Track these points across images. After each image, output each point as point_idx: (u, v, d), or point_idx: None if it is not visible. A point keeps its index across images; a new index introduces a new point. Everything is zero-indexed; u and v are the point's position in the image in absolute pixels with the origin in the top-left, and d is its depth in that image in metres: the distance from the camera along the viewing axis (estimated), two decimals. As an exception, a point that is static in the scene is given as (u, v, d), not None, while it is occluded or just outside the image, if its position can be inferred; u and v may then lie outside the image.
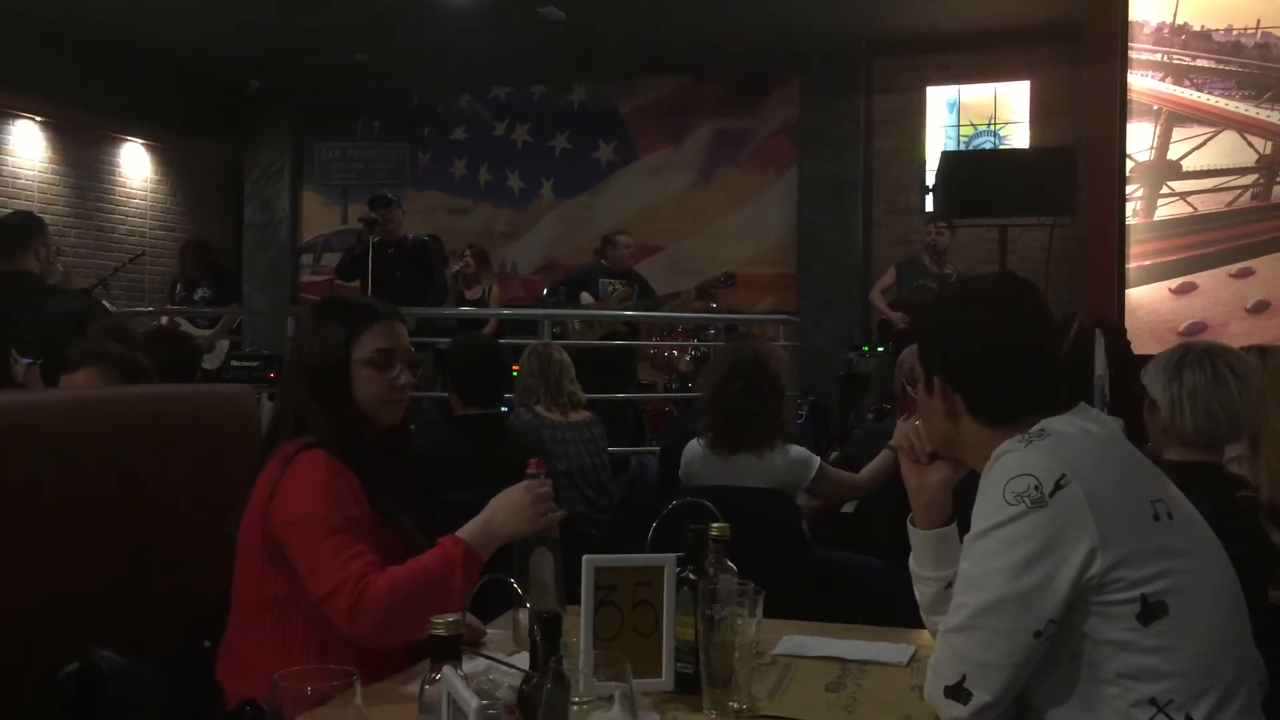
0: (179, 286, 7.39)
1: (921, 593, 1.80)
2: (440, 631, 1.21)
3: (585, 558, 1.61)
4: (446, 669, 1.12)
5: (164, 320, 6.79)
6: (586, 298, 7.19)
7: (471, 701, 0.98)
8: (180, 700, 1.91)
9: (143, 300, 9.11)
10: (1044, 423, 1.60)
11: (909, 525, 1.82)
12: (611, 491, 4.18)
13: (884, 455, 3.35)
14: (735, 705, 1.61)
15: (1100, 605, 1.49)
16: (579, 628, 1.60)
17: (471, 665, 1.50)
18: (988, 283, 1.90)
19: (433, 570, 1.85)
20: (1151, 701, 1.47)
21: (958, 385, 1.69)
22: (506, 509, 1.92)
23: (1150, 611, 1.48)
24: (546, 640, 1.24)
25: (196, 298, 7.18)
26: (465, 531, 1.90)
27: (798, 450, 3.38)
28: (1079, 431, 1.59)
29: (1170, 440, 2.36)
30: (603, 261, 7.29)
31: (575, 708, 1.23)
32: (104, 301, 7.43)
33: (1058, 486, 1.50)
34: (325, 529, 1.87)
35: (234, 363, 7.20)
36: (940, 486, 1.79)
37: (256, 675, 1.79)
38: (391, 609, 1.81)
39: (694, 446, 3.45)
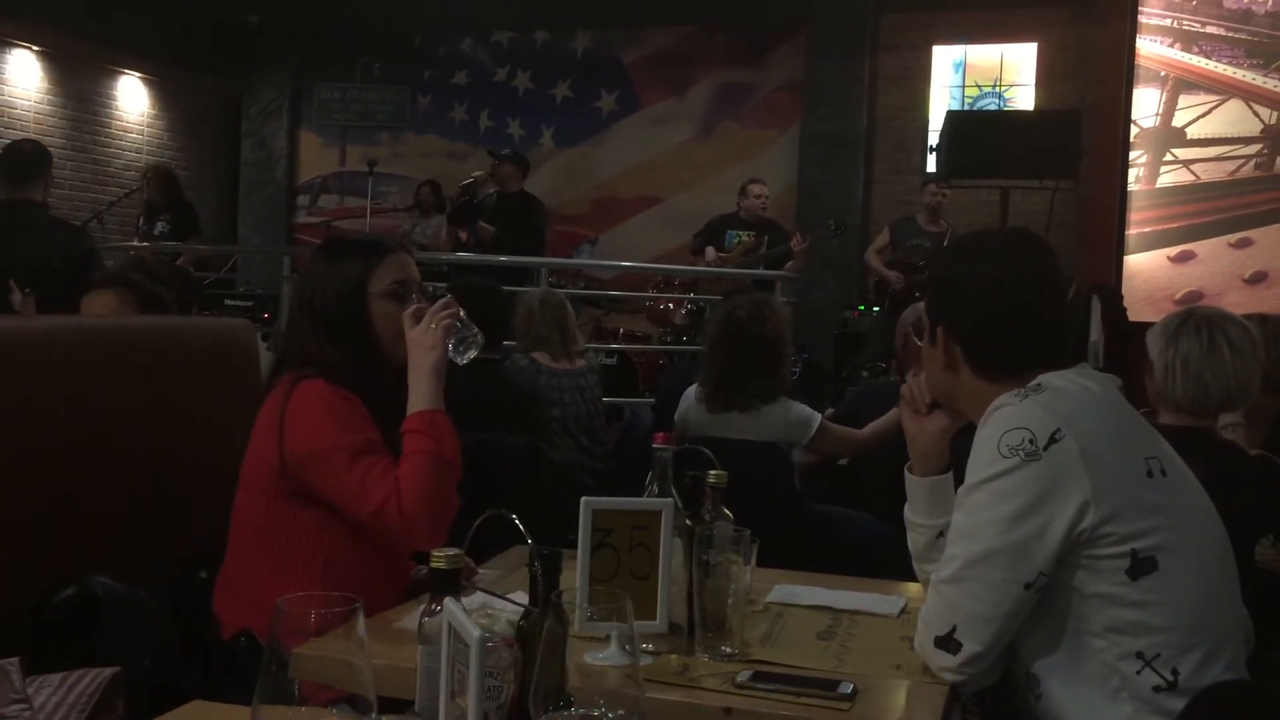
0: (141, 220, 7.29)
1: (914, 540, 1.82)
2: (441, 565, 1.22)
3: (583, 500, 1.62)
4: (448, 600, 1.13)
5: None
6: (710, 253, 7.05)
7: (474, 631, 0.99)
8: (176, 628, 1.93)
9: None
10: (1041, 377, 1.61)
11: (905, 472, 1.83)
12: (605, 440, 4.19)
13: (892, 414, 3.36)
14: (728, 650, 1.63)
15: (1090, 559, 1.51)
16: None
17: (467, 601, 1.51)
18: (1001, 238, 1.89)
19: (427, 450, 1.90)
20: (1138, 655, 1.49)
21: (958, 338, 1.70)
22: (411, 355, 1.95)
23: (1140, 566, 1.50)
24: (546, 576, 1.25)
25: (156, 232, 7.08)
26: (410, 404, 1.94)
27: (800, 408, 3.38)
28: (1076, 387, 1.60)
29: (1163, 404, 2.37)
30: (739, 212, 7.20)
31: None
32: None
33: (1052, 440, 1.51)
34: (349, 454, 1.90)
35: (229, 302, 7.21)
36: (938, 435, 1.80)
37: (253, 606, 1.80)
38: (426, 501, 1.87)
39: (690, 395, 3.46)
